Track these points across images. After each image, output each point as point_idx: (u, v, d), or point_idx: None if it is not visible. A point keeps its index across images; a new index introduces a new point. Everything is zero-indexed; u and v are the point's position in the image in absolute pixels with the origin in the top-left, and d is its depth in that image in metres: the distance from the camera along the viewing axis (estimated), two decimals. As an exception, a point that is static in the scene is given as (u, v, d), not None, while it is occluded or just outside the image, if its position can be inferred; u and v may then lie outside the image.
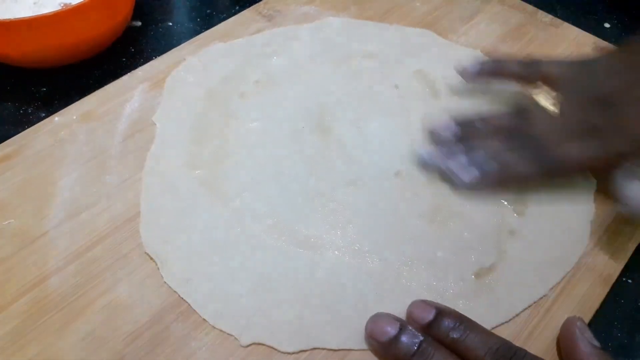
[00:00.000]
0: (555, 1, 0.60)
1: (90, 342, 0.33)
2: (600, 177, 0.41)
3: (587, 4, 0.61)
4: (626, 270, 0.38)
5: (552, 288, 0.36)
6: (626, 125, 0.37)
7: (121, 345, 0.33)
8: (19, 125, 0.45)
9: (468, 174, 0.40)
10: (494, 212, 0.39)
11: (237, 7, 0.57)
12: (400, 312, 0.34)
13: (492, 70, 0.46)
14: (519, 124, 0.41)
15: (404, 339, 0.31)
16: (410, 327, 0.31)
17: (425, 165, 0.41)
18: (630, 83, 0.38)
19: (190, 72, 0.48)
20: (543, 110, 0.42)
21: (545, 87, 0.44)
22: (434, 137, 0.43)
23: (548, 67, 0.44)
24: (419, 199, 0.40)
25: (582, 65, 0.42)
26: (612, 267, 0.37)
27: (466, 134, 0.42)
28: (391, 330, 0.31)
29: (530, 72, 0.44)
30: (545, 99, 0.44)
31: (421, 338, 0.31)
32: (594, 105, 0.39)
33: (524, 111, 0.42)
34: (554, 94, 0.43)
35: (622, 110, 0.37)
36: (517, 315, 0.35)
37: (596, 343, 0.32)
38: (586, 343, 0.31)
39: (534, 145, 0.39)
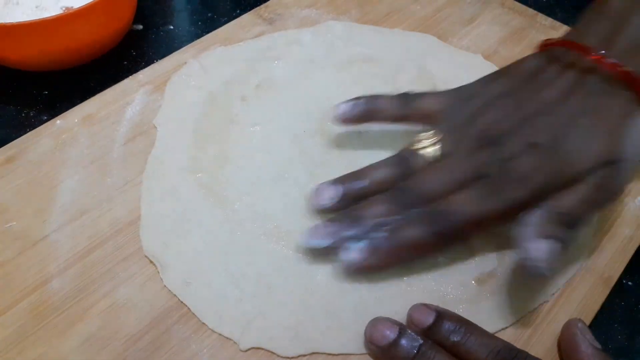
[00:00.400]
0: (555, 4, 0.61)
1: (91, 345, 0.33)
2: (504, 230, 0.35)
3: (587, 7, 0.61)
4: (626, 273, 0.38)
5: (553, 294, 0.36)
6: (517, 169, 0.33)
7: (122, 348, 0.33)
8: (20, 128, 0.46)
9: (352, 253, 0.34)
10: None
11: (238, 11, 0.57)
12: (401, 316, 0.34)
13: (364, 112, 0.40)
14: (399, 176, 0.36)
15: (404, 342, 0.31)
16: (409, 331, 0.31)
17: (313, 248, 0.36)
18: (516, 119, 0.34)
19: (191, 76, 0.48)
20: (423, 155, 0.36)
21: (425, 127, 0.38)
22: (318, 207, 0.38)
23: (423, 101, 0.39)
24: None
25: (459, 95, 0.38)
26: (612, 269, 0.37)
27: (350, 198, 0.37)
28: (390, 334, 0.31)
29: (405, 109, 0.39)
30: (426, 141, 0.37)
31: (421, 341, 0.31)
32: (479, 144, 0.34)
33: (403, 159, 0.37)
34: (432, 133, 0.37)
35: (509, 150, 0.33)
36: (517, 321, 0.35)
37: (597, 345, 0.32)
38: (587, 344, 0.31)
39: (421, 201, 0.34)
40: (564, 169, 0.33)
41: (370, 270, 0.35)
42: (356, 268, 0.35)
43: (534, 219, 0.32)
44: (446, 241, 0.34)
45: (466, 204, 0.33)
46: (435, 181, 0.35)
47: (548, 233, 0.31)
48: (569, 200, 0.32)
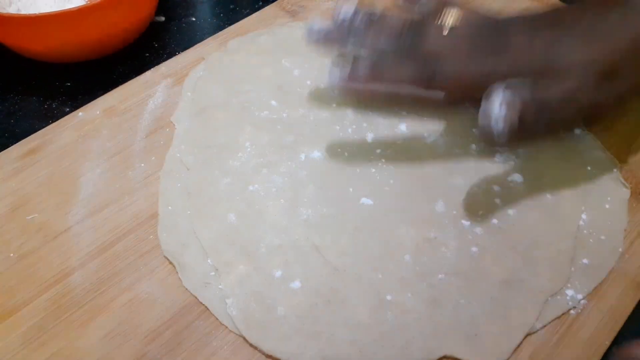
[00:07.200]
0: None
1: (112, 339, 0.33)
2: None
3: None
4: (659, 277, 0.37)
5: (582, 299, 0.35)
6: (512, 47, 0.36)
7: (143, 343, 0.33)
8: (43, 119, 0.46)
9: (337, 73, 0.37)
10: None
11: (261, 3, 0.57)
12: (424, 323, 0.33)
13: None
14: (411, 31, 0.38)
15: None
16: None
17: (310, 40, 0.39)
18: (528, 21, 0.38)
19: (209, 72, 0.47)
20: (439, 26, 0.37)
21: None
22: (334, 16, 0.38)
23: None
24: (439, 206, 0.39)
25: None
26: (645, 273, 0.36)
27: (361, 24, 0.38)
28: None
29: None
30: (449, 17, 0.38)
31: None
32: (489, 30, 0.37)
33: (422, 23, 0.38)
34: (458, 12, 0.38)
35: (511, 32, 0.37)
36: (544, 326, 0.34)
37: None
38: None
39: (419, 55, 0.37)
40: (549, 56, 0.35)
41: (352, 91, 0.38)
42: (340, 88, 0.38)
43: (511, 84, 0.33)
44: (424, 83, 0.36)
45: (456, 60, 0.36)
46: (440, 38, 0.37)
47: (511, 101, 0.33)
48: (546, 87, 0.34)
